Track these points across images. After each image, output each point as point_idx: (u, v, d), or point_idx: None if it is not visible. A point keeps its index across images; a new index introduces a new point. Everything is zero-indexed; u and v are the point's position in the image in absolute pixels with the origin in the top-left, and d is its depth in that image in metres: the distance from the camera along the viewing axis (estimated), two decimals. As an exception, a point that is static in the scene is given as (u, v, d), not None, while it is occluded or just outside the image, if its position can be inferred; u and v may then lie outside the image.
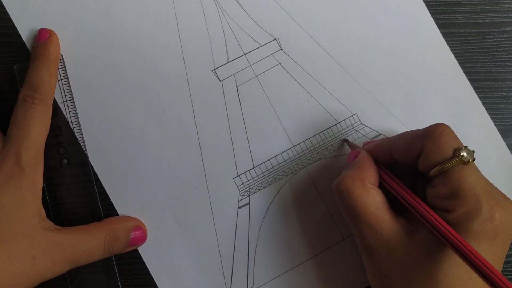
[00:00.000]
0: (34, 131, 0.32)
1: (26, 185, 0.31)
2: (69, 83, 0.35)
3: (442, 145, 0.28)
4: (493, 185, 0.29)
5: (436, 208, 0.28)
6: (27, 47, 0.35)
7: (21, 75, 0.35)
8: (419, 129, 0.30)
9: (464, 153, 0.28)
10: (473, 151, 0.28)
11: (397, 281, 0.28)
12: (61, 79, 0.35)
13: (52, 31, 0.35)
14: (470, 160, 0.28)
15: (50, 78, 0.33)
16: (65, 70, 0.36)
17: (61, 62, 0.35)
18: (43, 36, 0.35)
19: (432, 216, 0.27)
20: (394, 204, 0.30)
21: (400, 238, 0.28)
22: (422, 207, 0.28)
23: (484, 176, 0.29)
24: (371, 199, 0.30)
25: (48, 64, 0.34)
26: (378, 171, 0.31)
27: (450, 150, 0.28)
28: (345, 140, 0.37)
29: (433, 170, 0.28)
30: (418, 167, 0.30)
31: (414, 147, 0.29)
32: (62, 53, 0.35)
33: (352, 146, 0.36)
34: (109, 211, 0.35)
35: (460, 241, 0.26)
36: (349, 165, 0.32)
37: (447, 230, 0.26)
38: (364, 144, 0.34)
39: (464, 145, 0.28)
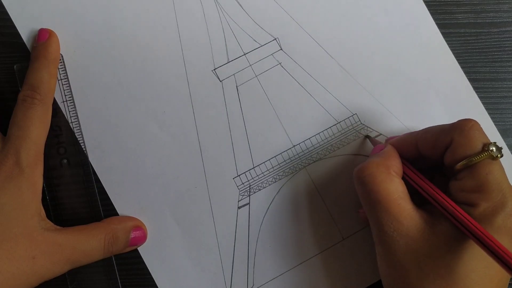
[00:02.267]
0: (34, 131, 0.32)
1: (25, 185, 0.31)
2: (69, 83, 0.35)
3: (471, 139, 0.28)
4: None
5: (459, 202, 0.28)
6: (27, 47, 0.35)
7: (21, 75, 0.35)
8: (446, 124, 0.30)
9: (493, 148, 0.28)
10: (501, 148, 0.28)
11: (413, 272, 0.28)
12: (61, 79, 0.35)
13: (52, 31, 0.35)
14: (498, 156, 0.28)
15: (50, 78, 0.33)
16: (65, 70, 0.35)
17: (61, 62, 0.35)
18: (43, 36, 0.35)
19: (455, 209, 0.27)
20: (413, 199, 0.30)
21: (420, 229, 0.28)
22: (446, 201, 0.28)
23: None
24: (394, 187, 0.29)
25: (48, 65, 0.34)
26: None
27: (480, 144, 0.28)
28: (367, 136, 0.37)
29: (461, 163, 0.28)
30: (444, 161, 0.30)
31: (441, 140, 0.30)
32: (62, 53, 0.35)
33: (374, 142, 0.36)
34: (109, 211, 0.35)
35: (485, 234, 0.26)
36: (374, 155, 0.32)
37: (471, 223, 0.26)
38: (388, 139, 0.34)
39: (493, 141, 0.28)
